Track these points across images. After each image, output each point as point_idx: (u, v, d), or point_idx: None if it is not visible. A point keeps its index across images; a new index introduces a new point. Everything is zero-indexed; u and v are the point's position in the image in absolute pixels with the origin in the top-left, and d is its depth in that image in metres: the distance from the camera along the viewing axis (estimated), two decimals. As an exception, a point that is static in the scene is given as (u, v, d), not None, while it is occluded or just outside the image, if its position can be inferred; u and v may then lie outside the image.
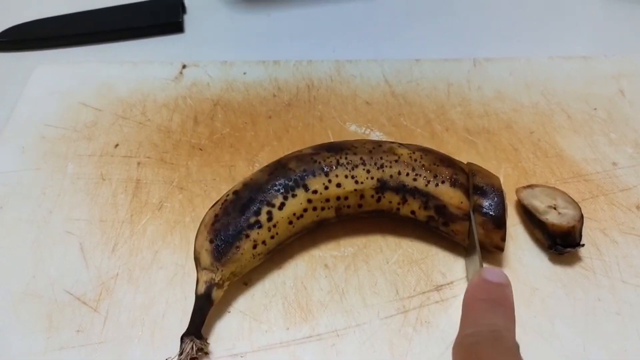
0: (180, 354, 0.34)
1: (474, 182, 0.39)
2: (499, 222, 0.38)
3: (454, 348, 0.29)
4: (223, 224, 0.37)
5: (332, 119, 0.50)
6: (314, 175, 0.38)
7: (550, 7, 0.64)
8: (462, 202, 0.38)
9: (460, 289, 0.38)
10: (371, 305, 0.38)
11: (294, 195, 0.38)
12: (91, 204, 0.44)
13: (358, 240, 0.41)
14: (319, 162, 0.39)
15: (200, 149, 0.47)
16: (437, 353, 0.35)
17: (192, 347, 0.34)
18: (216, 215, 0.37)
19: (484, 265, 0.36)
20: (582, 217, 0.39)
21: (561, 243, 0.39)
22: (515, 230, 0.42)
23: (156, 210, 0.43)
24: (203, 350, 0.34)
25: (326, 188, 0.38)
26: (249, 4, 0.66)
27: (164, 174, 0.46)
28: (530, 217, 0.41)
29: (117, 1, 0.64)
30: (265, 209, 0.37)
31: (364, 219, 0.41)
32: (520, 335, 0.31)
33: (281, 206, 0.37)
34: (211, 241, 0.36)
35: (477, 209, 0.38)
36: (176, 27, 0.61)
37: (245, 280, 0.39)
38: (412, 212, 0.40)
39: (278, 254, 0.40)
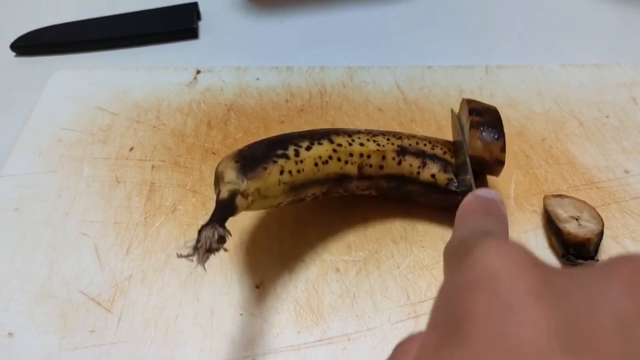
0: (198, 241, 0.29)
1: (469, 106, 0.41)
2: (497, 133, 0.40)
3: (443, 253, 0.27)
4: (251, 150, 0.37)
5: (344, 124, 0.50)
6: (338, 134, 0.40)
7: (563, 15, 0.64)
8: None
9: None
10: (382, 309, 0.38)
11: (320, 143, 0.39)
12: (106, 206, 0.44)
13: (369, 245, 0.42)
14: (341, 129, 0.41)
15: (214, 153, 0.48)
16: (447, 358, 0.35)
17: (213, 233, 0.29)
18: (241, 149, 0.37)
19: None
20: (601, 232, 0.39)
21: (574, 253, 0.39)
22: (528, 236, 0.42)
23: (170, 213, 0.44)
24: (224, 241, 0.29)
25: (350, 144, 0.40)
26: (263, 11, 0.66)
27: (177, 178, 0.46)
28: (549, 223, 0.41)
29: (133, 7, 0.65)
30: (292, 147, 0.38)
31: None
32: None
33: (308, 148, 0.38)
34: (237, 161, 0.35)
35: (474, 125, 0.40)
36: (191, 33, 0.62)
37: (257, 283, 0.39)
38: (432, 176, 0.41)
39: (289, 258, 0.40)
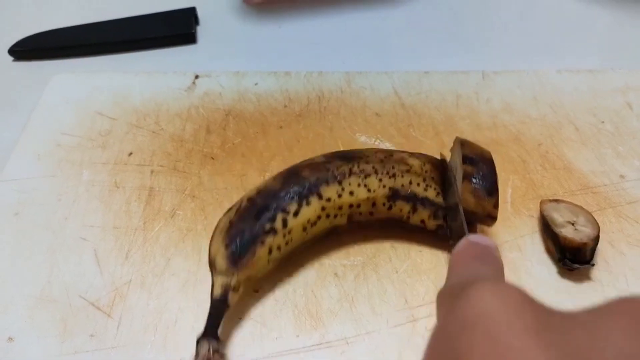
0: (197, 356, 0.33)
1: (462, 153, 0.39)
2: (490, 189, 0.38)
3: (437, 298, 0.27)
4: (239, 229, 0.37)
5: (342, 129, 0.51)
6: (328, 184, 0.39)
7: (559, 21, 0.65)
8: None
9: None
10: (380, 313, 0.38)
11: (308, 203, 0.38)
12: (105, 211, 0.44)
13: (367, 250, 0.42)
14: (332, 171, 0.40)
15: (212, 158, 0.48)
16: (445, 362, 0.36)
17: (209, 349, 0.33)
18: (231, 222, 0.38)
19: None
20: (597, 237, 0.39)
21: (570, 258, 0.39)
22: (525, 240, 0.42)
23: (169, 218, 0.44)
24: (219, 352, 0.34)
25: (339, 196, 0.39)
26: (261, 16, 0.67)
27: (176, 182, 0.46)
28: (545, 228, 0.41)
29: (132, 12, 0.65)
30: (280, 215, 0.38)
31: (374, 227, 0.42)
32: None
33: (296, 213, 0.38)
34: (227, 246, 0.37)
35: (467, 177, 0.38)
36: (189, 38, 0.63)
37: (256, 287, 0.39)
38: (422, 221, 0.40)
39: (289, 262, 0.40)
